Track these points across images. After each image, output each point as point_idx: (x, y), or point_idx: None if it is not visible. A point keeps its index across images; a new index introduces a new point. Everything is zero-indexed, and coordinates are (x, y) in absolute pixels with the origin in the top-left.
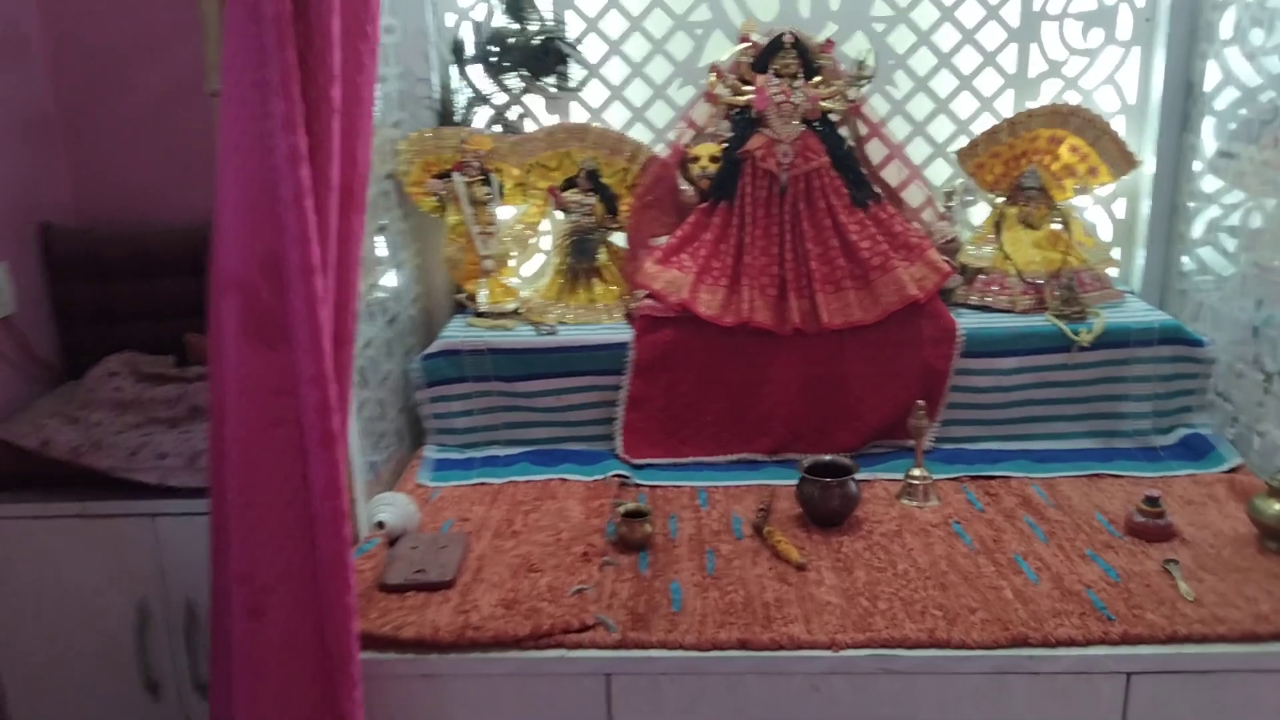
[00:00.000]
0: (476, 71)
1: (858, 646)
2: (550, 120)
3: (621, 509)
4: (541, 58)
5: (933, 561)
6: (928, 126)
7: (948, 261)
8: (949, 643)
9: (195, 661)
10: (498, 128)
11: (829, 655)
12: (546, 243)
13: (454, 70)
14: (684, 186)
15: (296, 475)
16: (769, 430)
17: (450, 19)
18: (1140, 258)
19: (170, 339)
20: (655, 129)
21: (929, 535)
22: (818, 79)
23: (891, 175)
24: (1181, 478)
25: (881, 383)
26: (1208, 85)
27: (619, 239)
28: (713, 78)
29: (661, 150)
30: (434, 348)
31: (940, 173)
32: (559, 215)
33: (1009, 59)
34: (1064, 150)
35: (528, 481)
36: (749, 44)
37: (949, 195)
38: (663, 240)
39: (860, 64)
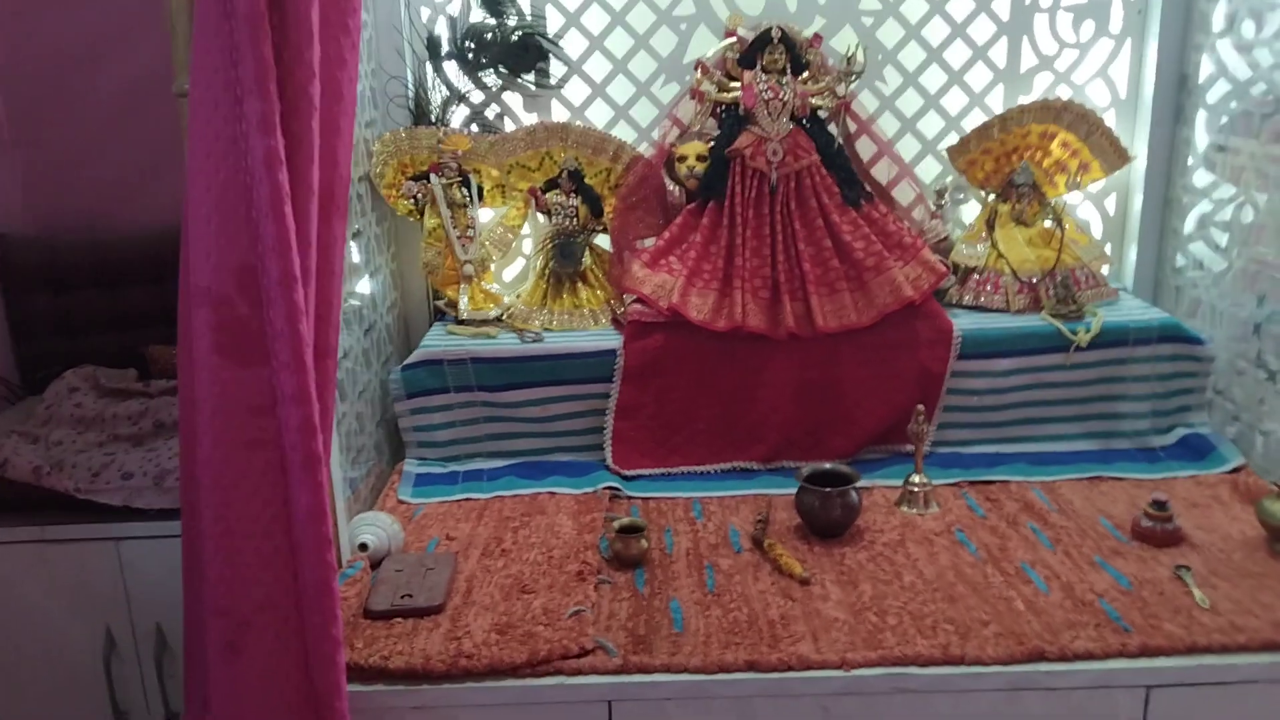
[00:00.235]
0: (453, 68)
1: (869, 665)
2: (530, 119)
3: (616, 524)
4: (520, 54)
5: (939, 572)
6: (917, 123)
7: (942, 261)
8: (963, 659)
9: (166, 690)
10: (475, 127)
11: (840, 675)
12: (528, 246)
13: (429, 67)
14: (670, 187)
15: (277, 500)
16: (763, 437)
17: (425, 14)
18: (1132, 254)
19: (133, 351)
20: (639, 127)
21: (932, 544)
22: (806, 75)
23: (881, 173)
24: (1184, 479)
25: (877, 386)
26: (1200, 78)
27: (604, 241)
28: (698, 74)
29: (646, 149)
30: (414, 357)
31: (930, 170)
32: (541, 218)
33: (1000, 53)
34: (1055, 146)
35: (515, 496)
36: (735, 39)
37: (940, 193)
38: (649, 242)
39: (849, 59)
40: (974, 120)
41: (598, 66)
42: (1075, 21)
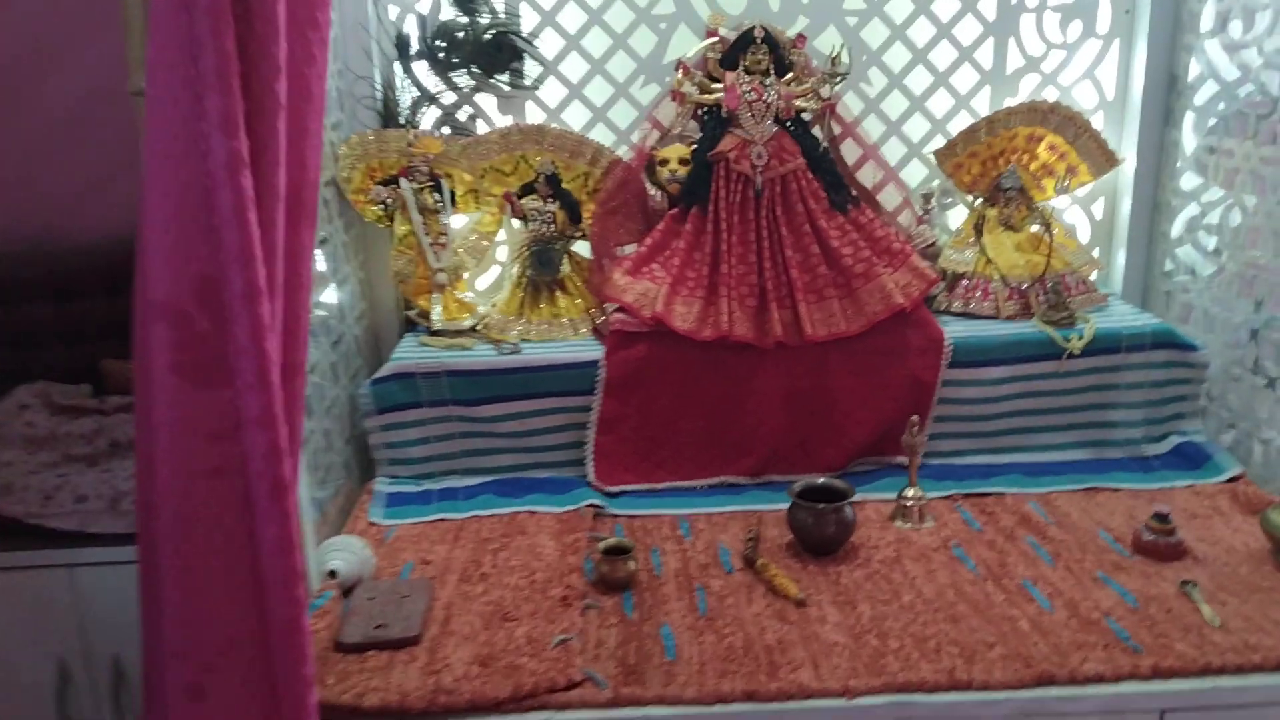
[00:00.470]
0: (422, 68)
1: (873, 693)
2: (504, 121)
3: (601, 545)
4: (494, 53)
5: (939, 590)
6: (903, 125)
7: (931, 267)
8: (970, 684)
9: None
10: (447, 130)
11: (843, 705)
12: (503, 253)
13: (398, 67)
14: (651, 191)
15: (241, 532)
16: (750, 450)
17: (393, 11)
18: (1121, 259)
19: (87, 365)
20: (618, 130)
21: (930, 561)
22: (790, 76)
23: (866, 177)
24: (1181, 489)
25: (867, 396)
26: (1189, 79)
27: (582, 248)
28: (679, 75)
29: (625, 153)
30: (385, 371)
31: (916, 174)
32: (516, 224)
33: (986, 54)
34: (1042, 149)
35: (493, 515)
36: (717, 39)
37: (926, 197)
38: (630, 249)
39: (833, 60)
40: (960, 123)
41: (575, 67)
42: (1062, 22)
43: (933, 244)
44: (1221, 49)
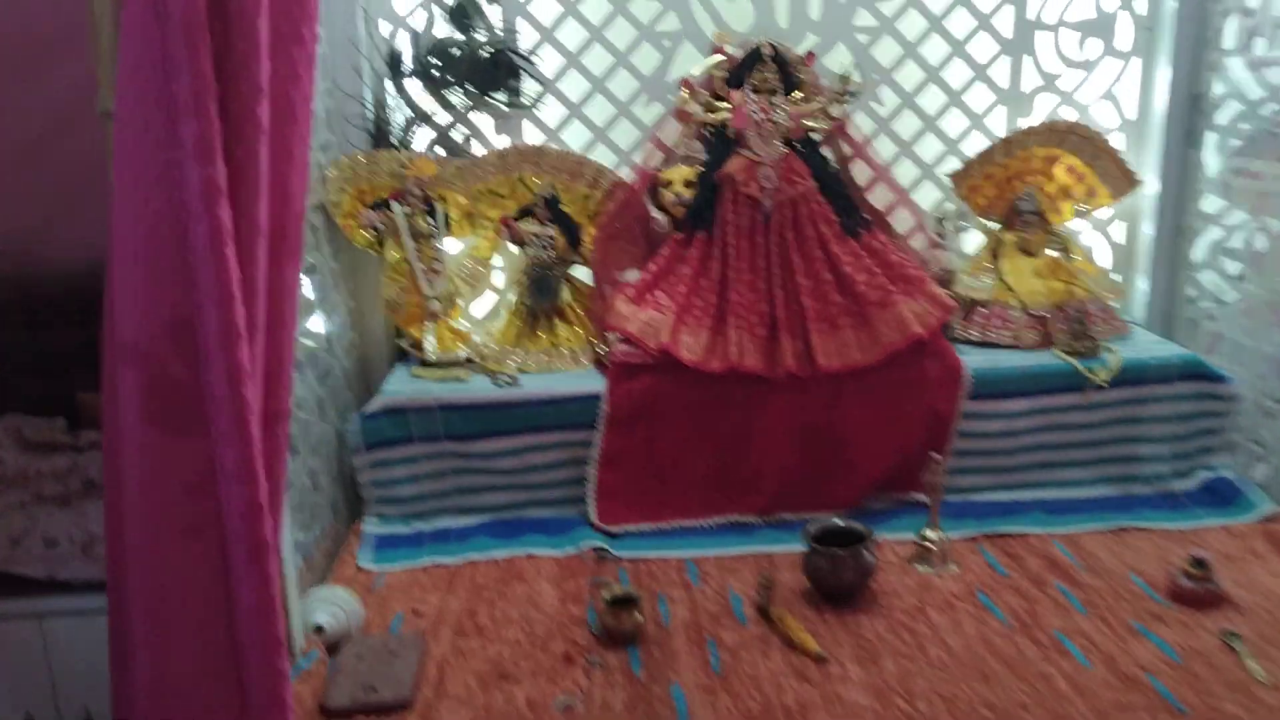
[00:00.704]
0: (416, 87)
1: None
2: (501, 142)
3: (606, 595)
4: (490, 71)
5: (967, 644)
6: (915, 145)
7: (949, 294)
8: None
9: None
10: (441, 150)
11: None
12: (499, 279)
13: (390, 85)
14: (655, 214)
15: (218, 595)
16: (760, 487)
17: (385, 27)
18: (1143, 285)
19: (61, 397)
20: (620, 151)
21: (955, 610)
22: (798, 95)
23: (877, 199)
24: (1213, 529)
25: (882, 430)
26: (1213, 98)
27: (583, 274)
28: (684, 93)
29: (627, 174)
30: (375, 405)
31: (929, 196)
32: (513, 249)
33: (1001, 72)
34: (1060, 170)
35: (489, 560)
36: (723, 57)
37: (940, 220)
38: (633, 275)
39: (844, 78)
40: (974, 143)
41: (575, 85)
42: (1081, 39)
43: (947, 269)
44: (1246, 67)
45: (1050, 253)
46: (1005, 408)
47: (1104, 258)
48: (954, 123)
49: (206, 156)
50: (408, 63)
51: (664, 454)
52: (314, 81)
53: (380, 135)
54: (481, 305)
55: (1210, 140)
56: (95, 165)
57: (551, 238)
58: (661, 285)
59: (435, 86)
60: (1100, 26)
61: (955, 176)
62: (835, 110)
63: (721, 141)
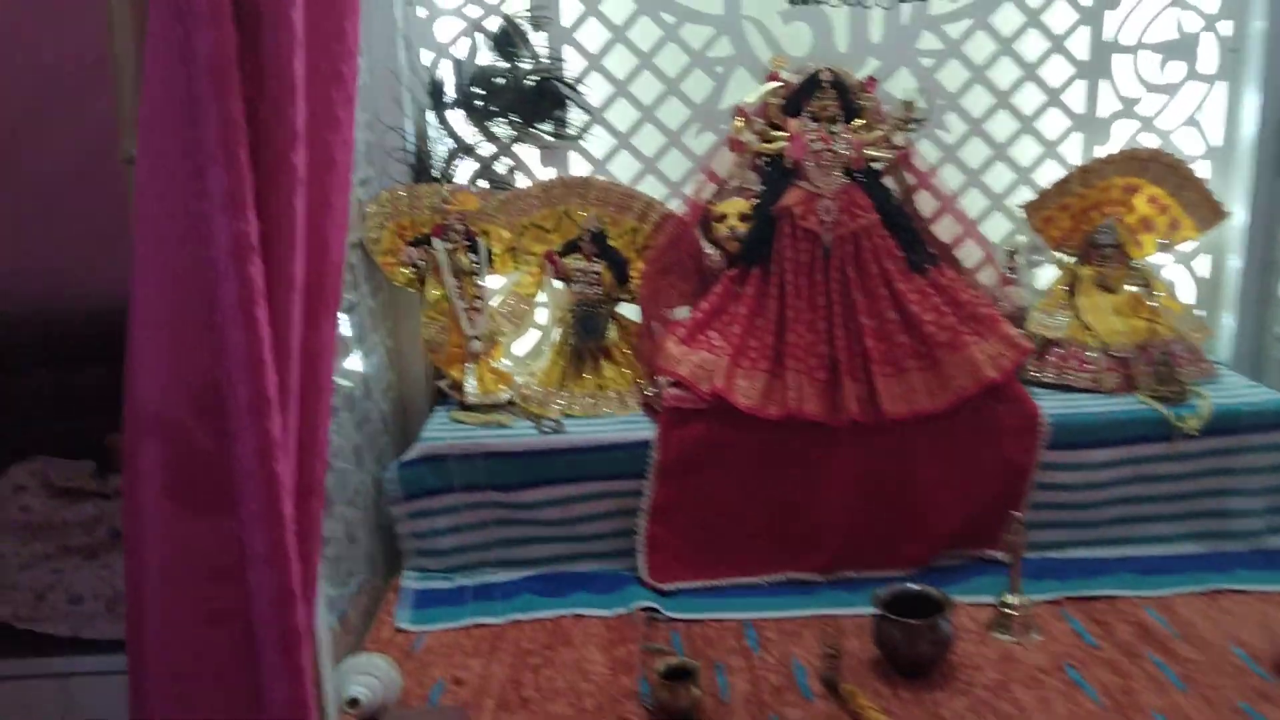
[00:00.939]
0: (458, 118)
1: None
2: (546, 174)
3: (660, 666)
4: (535, 101)
5: None
6: (984, 175)
7: (1025, 335)
8: None
9: None
10: (484, 183)
11: None
12: (543, 317)
13: (432, 117)
14: (707, 249)
15: (245, 689)
16: (822, 543)
17: (427, 56)
18: (1229, 323)
19: (89, 439)
20: (670, 182)
21: (1042, 685)
22: (859, 122)
23: (942, 232)
24: None
25: (954, 482)
26: None
27: (630, 311)
28: (738, 122)
29: (677, 207)
30: (414, 452)
31: (998, 228)
32: (558, 285)
33: (1077, 97)
34: (1140, 201)
35: (534, 621)
36: (779, 83)
37: (1011, 254)
38: (683, 313)
39: (908, 105)
40: (1047, 172)
41: (623, 114)
42: (1162, 62)
43: (1019, 307)
44: None
45: (1130, 288)
46: (1087, 458)
47: (1187, 294)
48: (1025, 150)
49: (236, 209)
50: (450, 92)
51: (718, 506)
52: (353, 125)
53: (421, 168)
54: (524, 344)
55: None
56: (119, 206)
57: (598, 273)
58: (714, 325)
59: (478, 117)
60: (1183, 48)
61: (1029, 207)
62: (899, 138)
63: (778, 172)
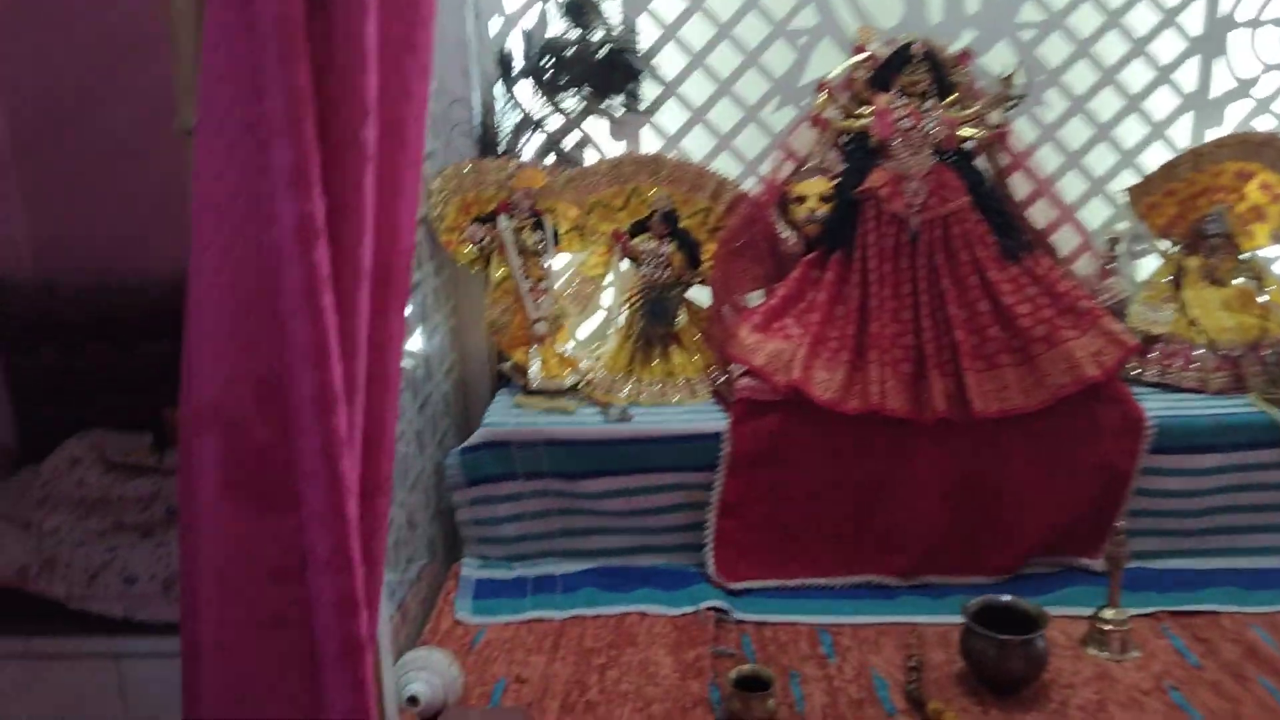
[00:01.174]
0: (526, 90)
1: None
2: (616, 149)
3: (733, 675)
4: (607, 73)
5: None
6: (1084, 157)
7: (1129, 330)
8: None
9: None
10: (551, 158)
11: None
12: (609, 299)
13: (499, 89)
14: (783, 231)
15: (304, 699)
16: (902, 545)
17: (494, 25)
18: None
19: (146, 414)
20: (746, 160)
21: (1141, 708)
22: (952, 99)
23: (1036, 218)
24: None
25: (1047, 486)
26: None
27: (701, 295)
28: (821, 97)
29: (753, 187)
30: (476, 438)
31: (1096, 214)
32: (625, 265)
33: (1188, 75)
34: (1253, 188)
35: (597, 617)
36: (866, 55)
37: (1112, 243)
38: (756, 299)
39: (1006, 81)
40: (1154, 155)
41: (698, 88)
42: None
43: (1119, 299)
44: None
45: (1240, 282)
46: (1192, 463)
47: None
48: (1131, 132)
49: (302, 188)
50: (518, 63)
51: (792, 503)
52: (426, 97)
53: (487, 142)
54: (589, 327)
55: None
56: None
57: (668, 255)
58: (791, 312)
59: (548, 89)
60: None
61: (1133, 192)
62: (994, 117)
63: (862, 151)
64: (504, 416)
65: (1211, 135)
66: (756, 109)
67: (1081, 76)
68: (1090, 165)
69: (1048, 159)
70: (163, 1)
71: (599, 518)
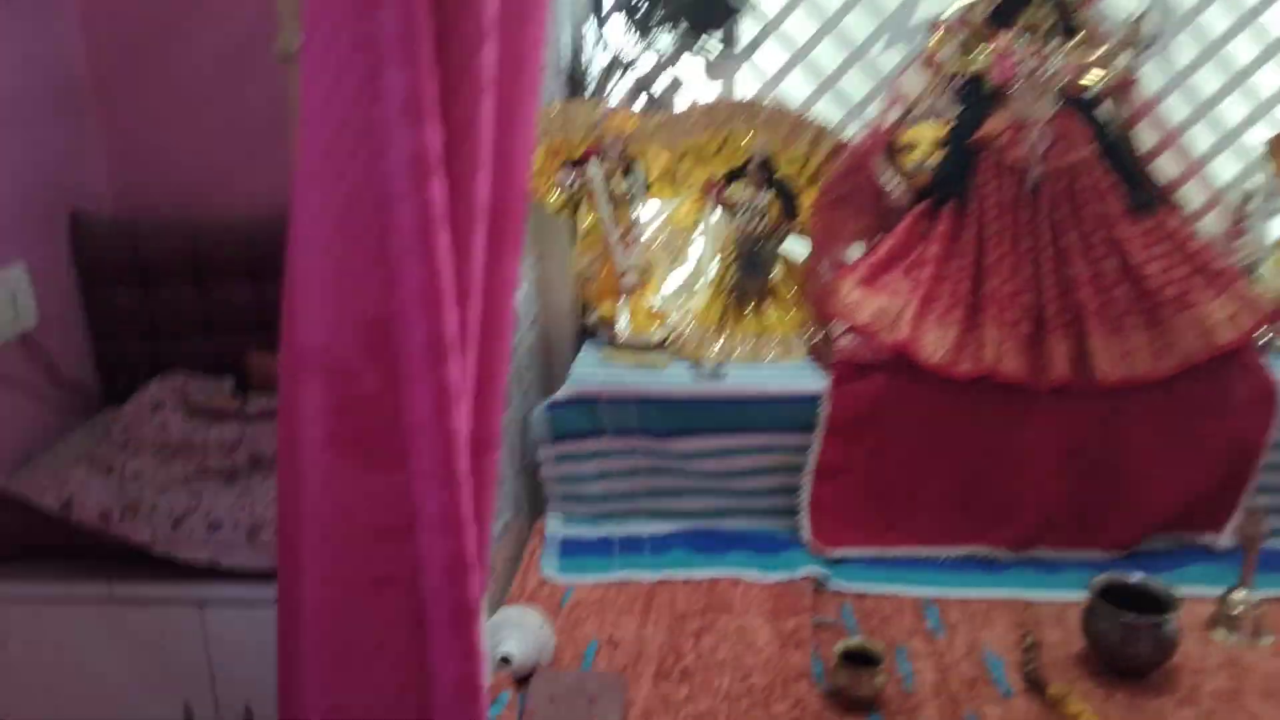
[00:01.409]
0: (617, 28)
1: None
2: (710, 92)
3: (839, 647)
4: (704, 9)
5: None
6: (1217, 107)
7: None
8: None
9: None
10: (642, 101)
11: None
12: (701, 250)
13: (589, 26)
14: (890, 181)
15: (409, 663)
16: (1014, 516)
17: None
18: None
19: (228, 357)
20: (850, 104)
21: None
22: (1077, 40)
23: (1162, 172)
24: None
25: (1172, 459)
26: None
27: (797, 248)
28: (934, 36)
29: (857, 133)
30: (563, 393)
31: (1227, 169)
32: (718, 215)
33: None
34: None
35: (687, 581)
36: None
37: (1245, 199)
38: (857, 253)
39: (1135, 23)
40: None
41: (800, 26)
42: None
43: (1252, 259)
44: None
45: None
46: None
47: None
48: (1270, 80)
49: (418, 117)
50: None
51: (895, 470)
52: (548, 20)
53: (576, 83)
54: (679, 279)
55: None
56: (267, 109)
57: (764, 205)
58: (898, 267)
59: (640, 27)
60: None
61: (1273, 144)
62: (1123, 60)
63: (979, 95)
64: (592, 371)
65: None
66: (863, 49)
67: (1217, 19)
68: (1223, 116)
69: (1176, 109)
70: None
71: (688, 478)
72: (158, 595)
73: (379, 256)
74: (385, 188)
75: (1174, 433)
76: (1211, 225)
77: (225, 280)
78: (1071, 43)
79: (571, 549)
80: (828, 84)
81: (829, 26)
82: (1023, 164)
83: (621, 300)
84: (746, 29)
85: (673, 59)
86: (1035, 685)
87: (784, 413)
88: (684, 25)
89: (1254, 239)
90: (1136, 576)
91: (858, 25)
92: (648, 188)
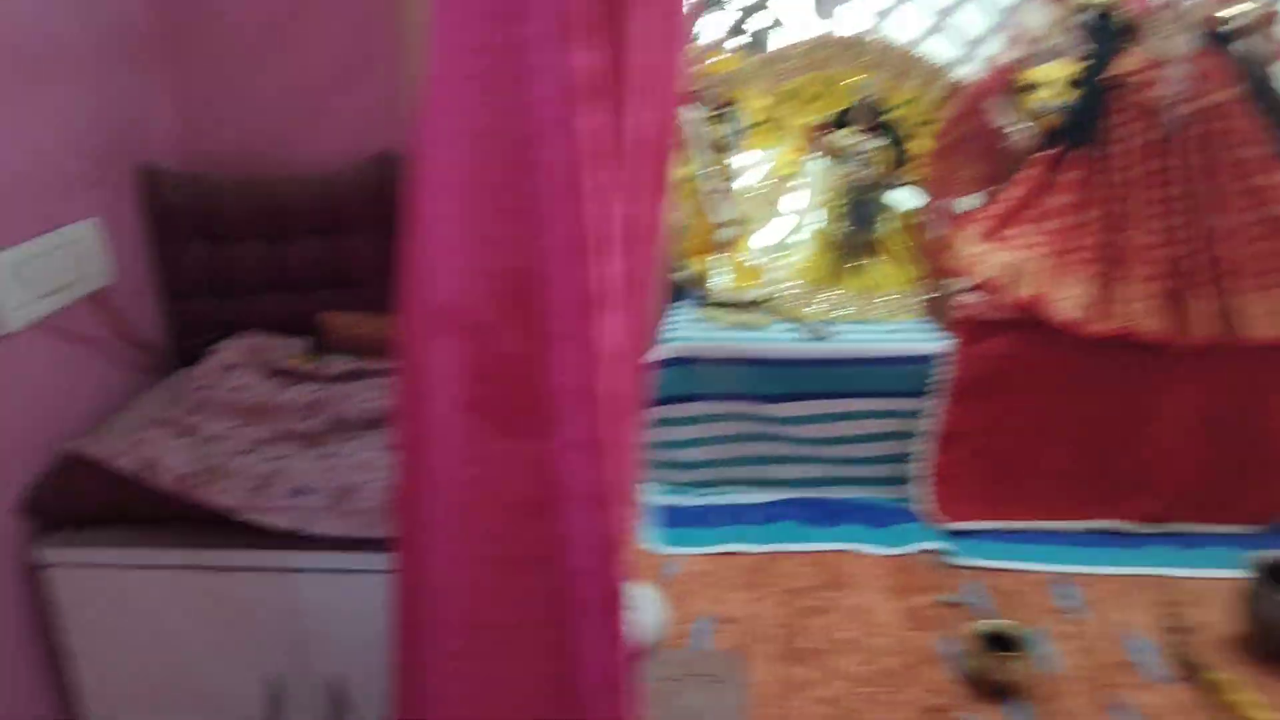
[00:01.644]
0: None
1: None
2: (813, 30)
3: (976, 629)
4: None
5: None
6: None
7: None
8: None
9: None
10: (738, 40)
11: None
12: (803, 201)
13: None
14: (1013, 125)
15: (551, 651)
16: (1149, 486)
17: None
18: None
19: (304, 316)
20: (966, 41)
21: None
22: None
23: None
24: None
25: None
26: None
27: (908, 198)
28: None
29: (974, 72)
30: (661, 353)
31: None
32: (821, 163)
33: None
34: None
35: (798, 553)
36: None
37: None
38: (976, 202)
39: None
40: None
41: None
42: None
43: None
44: None
45: None
46: None
47: None
48: None
49: (568, 36)
50: None
51: (1021, 437)
52: None
53: None
54: (780, 233)
55: None
56: (351, 57)
57: (873, 152)
58: (1025, 218)
59: None
60: None
61: None
62: None
63: (1110, 32)
64: (689, 331)
65: None
66: None
67: None
68: None
69: None
70: None
71: (792, 445)
72: (239, 563)
73: (519, 199)
74: (529, 120)
75: None
76: None
77: (297, 236)
78: None
79: (674, 518)
80: (941, 19)
81: None
82: (1158, 106)
83: (717, 255)
84: None
85: None
86: (1190, 670)
87: (894, 375)
88: None
89: None
90: None
91: None
92: (745, 134)
